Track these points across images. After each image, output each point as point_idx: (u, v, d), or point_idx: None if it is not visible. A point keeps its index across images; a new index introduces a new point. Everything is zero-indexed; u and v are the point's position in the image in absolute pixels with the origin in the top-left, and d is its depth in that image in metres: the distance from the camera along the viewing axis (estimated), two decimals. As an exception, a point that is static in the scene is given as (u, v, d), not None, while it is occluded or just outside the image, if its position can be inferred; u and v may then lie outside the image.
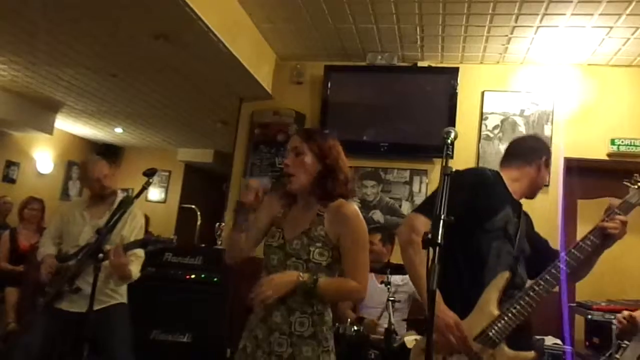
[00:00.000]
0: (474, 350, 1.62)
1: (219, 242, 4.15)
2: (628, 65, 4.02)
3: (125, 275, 2.68)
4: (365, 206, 4.34)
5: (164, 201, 8.49)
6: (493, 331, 1.64)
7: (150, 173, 2.37)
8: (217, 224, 4.23)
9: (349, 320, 3.07)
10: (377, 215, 4.31)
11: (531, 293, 1.66)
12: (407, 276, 3.21)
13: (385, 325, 2.92)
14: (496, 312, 1.65)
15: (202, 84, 4.85)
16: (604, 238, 1.69)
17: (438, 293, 1.77)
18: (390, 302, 2.92)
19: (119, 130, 7.64)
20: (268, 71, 4.58)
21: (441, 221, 1.31)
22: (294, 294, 1.65)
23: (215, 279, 3.85)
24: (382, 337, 2.92)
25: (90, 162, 2.95)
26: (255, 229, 1.83)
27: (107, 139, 8.42)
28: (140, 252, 2.78)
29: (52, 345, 2.60)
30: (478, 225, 1.76)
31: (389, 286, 3.02)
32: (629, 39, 3.61)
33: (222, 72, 4.25)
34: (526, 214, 1.95)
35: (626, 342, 2.18)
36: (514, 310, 1.64)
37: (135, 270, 2.74)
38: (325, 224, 1.72)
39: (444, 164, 1.51)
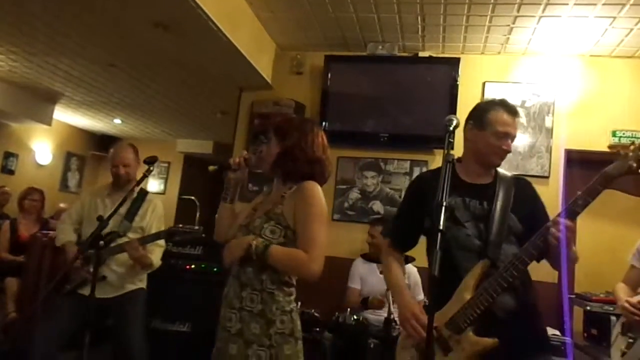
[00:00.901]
0: (443, 337, 1.63)
1: (219, 233, 4.14)
2: (630, 57, 4.00)
3: (146, 264, 2.79)
4: (365, 197, 4.34)
5: (163, 192, 8.48)
6: (460, 317, 1.63)
7: (150, 161, 2.40)
8: (217, 214, 4.22)
9: (348, 309, 3.09)
10: (377, 206, 4.31)
11: (499, 279, 1.61)
12: (408, 266, 3.23)
13: (385, 315, 2.93)
14: (467, 297, 1.64)
15: (201, 74, 4.82)
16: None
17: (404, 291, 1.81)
18: (389, 292, 2.92)
19: (117, 121, 7.61)
20: (268, 61, 4.55)
21: (442, 208, 1.31)
22: (250, 263, 1.71)
23: (215, 269, 3.85)
24: (382, 326, 2.93)
25: (120, 147, 3.00)
26: (241, 215, 1.91)
27: (106, 130, 8.40)
28: (161, 242, 2.90)
29: (75, 331, 2.63)
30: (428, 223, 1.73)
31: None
32: (632, 29, 3.58)
33: (222, 62, 4.22)
34: (513, 191, 1.80)
35: (630, 335, 2.16)
36: (479, 297, 1.61)
37: (156, 259, 2.86)
38: (284, 203, 1.77)
39: (446, 151, 1.52)
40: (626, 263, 2.49)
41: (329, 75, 4.45)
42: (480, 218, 1.75)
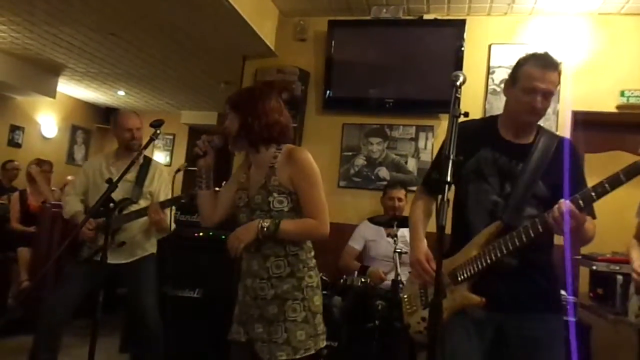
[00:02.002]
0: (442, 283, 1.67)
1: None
2: (636, 14, 3.91)
3: (165, 228, 2.83)
4: (371, 163, 4.34)
5: (169, 164, 8.52)
6: (460, 270, 1.69)
7: (157, 124, 2.41)
8: (223, 182, 4.24)
9: (355, 271, 3.12)
10: (383, 172, 4.31)
11: (508, 241, 1.61)
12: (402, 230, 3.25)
13: (393, 277, 2.97)
14: (473, 254, 1.67)
15: (204, 43, 4.77)
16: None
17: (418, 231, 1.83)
18: (397, 254, 2.95)
19: (121, 93, 7.59)
20: (271, 27, 4.50)
21: (450, 161, 1.32)
22: (266, 241, 1.81)
23: (223, 236, 3.88)
24: (389, 288, 2.97)
25: (123, 113, 3.05)
26: (224, 196, 2.01)
27: (110, 103, 8.38)
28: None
29: (88, 296, 2.71)
30: (457, 172, 1.68)
31: (395, 238, 3.05)
32: (641, -15, 3.50)
33: (224, 29, 4.17)
34: (551, 155, 1.74)
35: None
36: (484, 255, 1.64)
37: (171, 223, 2.87)
38: (277, 173, 1.85)
39: (453, 106, 1.51)
40: (631, 223, 2.50)
41: (333, 41, 4.40)
42: (507, 176, 1.73)
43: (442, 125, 4.22)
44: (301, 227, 1.83)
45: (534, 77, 1.68)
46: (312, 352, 1.81)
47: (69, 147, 8.25)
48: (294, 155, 1.85)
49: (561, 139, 1.79)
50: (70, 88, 7.47)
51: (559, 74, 1.73)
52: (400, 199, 3.64)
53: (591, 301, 3.53)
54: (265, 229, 1.77)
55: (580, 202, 1.48)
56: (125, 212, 2.83)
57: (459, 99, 1.56)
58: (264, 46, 4.42)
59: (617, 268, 3.19)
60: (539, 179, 1.69)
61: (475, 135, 1.81)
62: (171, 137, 8.61)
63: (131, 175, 2.78)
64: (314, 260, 1.93)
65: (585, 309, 3.50)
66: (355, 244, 3.65)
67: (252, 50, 4.56)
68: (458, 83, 1.58)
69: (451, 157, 1.32)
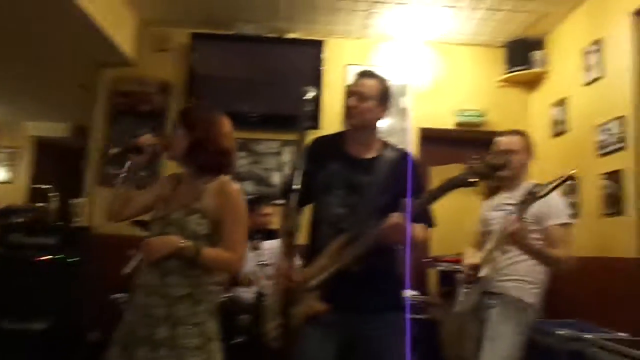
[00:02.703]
0: (296, 292, 1.77)
1: (76, 220, 3.85)
2: (470, 44, 4.48)
3: None
4: (236, 178, 4.31)
5: (11, 181, 7.59)
6: (312, 279, 1.79)
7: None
8: (74, 200, 3.92)
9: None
10: (249, 187, 4.32)
11: (352, 251, 1.74)
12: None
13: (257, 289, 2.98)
14: (323, 264, 1.79)
15: (53, 49, 4.37)
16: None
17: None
18: (260, 266, 2.97)
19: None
20: (129, 36, 4.29)
21: (298, 170, 1.39)
22: (171, 257, 1.71)
23: (72, 259, 3.58)
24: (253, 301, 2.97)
25: None
26: (140, 198, 1.91)
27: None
28: None
29: None
30: (309, 187, 1.80)
31: (258, 251, 3.07)
32: (470, 19, 4.01)
33: (75, 35, 3.87)
34: (394, 168, 1.86)
35: (467, 286, 2.46)
36: (331, 264, 1.76)
37: None
38: (206, 197, 1.79)
39: (302, 119, 1.60)
40: (470, 227, 2.81)
41: (196, 53, 4.34)
42: (353, 189, 1.84)
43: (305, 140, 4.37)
44: (221, 257, 1.78)
45: (351, 84, 1.90)
46: None
47: None
48: (227, 187, 1.81)
49: (404, 153, 1.91)
50: None
51: (379, 81, 1.89)
52: (268, 214, 3.68)
53: (439, 299, 3.89)
54: (185, 249, 1.70)
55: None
56: None
57: (308, 111, 1.65)
58: (120, 55, 4.20)
59: (459, 267, 3.54)
60: (383, 191, 1.82)
61: (325, 150, 1.92)
62: (13, 151, 7.68)
63: None
64: (213, 284, 1.84)
65: (434, 307, 3.85)
66: None
67: (108, 58, 4.30)
68: (307, 97, 1.66)
69: (300, 167, 1.38)
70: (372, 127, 1.91)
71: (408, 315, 1.81)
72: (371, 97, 1.86)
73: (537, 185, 2.35)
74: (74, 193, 4.24)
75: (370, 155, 1.89)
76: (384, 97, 1.88)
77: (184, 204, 1.79)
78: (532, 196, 2.13)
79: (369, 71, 1.92)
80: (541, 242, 2.29)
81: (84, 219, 4.09)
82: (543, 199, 2.20)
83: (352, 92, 1.87)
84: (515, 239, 2.15)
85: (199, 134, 1.82)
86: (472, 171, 1.52)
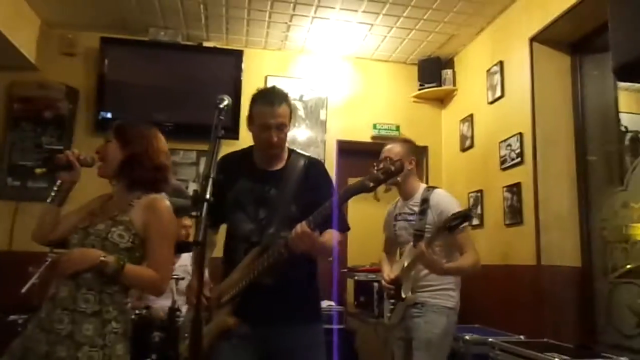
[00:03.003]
0: (210, 308, 1.79)
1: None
2: (386, 61, 4.66)
3: None
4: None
5: None
6: (224, 293, 1.79)
7: None
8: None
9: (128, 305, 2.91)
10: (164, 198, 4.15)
11: (262, 263, 1.73)
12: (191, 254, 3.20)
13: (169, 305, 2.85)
14: (235, 278, 1.78)
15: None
16: None
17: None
18: (172, 280, 2.85)
19: None
20: (30, 37, 3.99)
21: (210, 179, 1.35)
22: (89, 271, 1.62)
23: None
24: (166, 317, 2.84)
25: None
26: (70, 218, 1.81)
27: None
28: None
29: None
30: (221, 204, 1.77)
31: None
32: (385, 36, 4.18)
33: (-33, 33, 3.55)
34: (301, 177, 1.85)
35: (392, 301, 2.51)
36: (242, 278, 1.76)
37: None
38: (133, 212, 1.73)
39: (215, 127, 1.56)
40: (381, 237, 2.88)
41: (106, 59, 4.13)
42: (261, 203, 1.82)
43: (223, 150, 4.28)
44: (144, 275, 1.68)
45: (265, 114, 1.80)
46: None
47: None
48: (156, 203, 1.73)
49: (309, 160, 1.91)
50: None
51: (289, 104, 1.85)
52: (188, 226, 3.58)
53: (356, 308, 3.95)
54: (108, 264, 1.60)
55: (311, 223, 1.60)
56: None
57: (222, 120, 1.62)
58: (20, 57, 3.89)
59: (373, 276, 3.63)
60: (291, 201, 1.81)
61: (235, 167, 1.89)
62: None
63: None
64: (127, 304, 1.73)
65: (351, 316, 3.91)
66: None
67: (5, 61, 3.97)
68: (222, 105, 1.64)
69: (211, 176, 1.35)
70: (282, 151, 1.90)
71: (324, 327, 1.80)
72: (287, 124, 1.85)
73: (429, 187, 2.51)
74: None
75: (279, 166, 1.88)
76: (291, 117, 1.88)
77: (110, 216, 1.72)
78: (441, 229, 2.23)
79: (279, 95, 1.85)
80: (450, 250, 2.40)
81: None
82: (438, 208, 2.35)
83: (270, 126, 1.79)
84: (430, 267, 2.27)
85: (135, 149, 1.76)
86: (370, 178, 1.57)
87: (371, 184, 1.57)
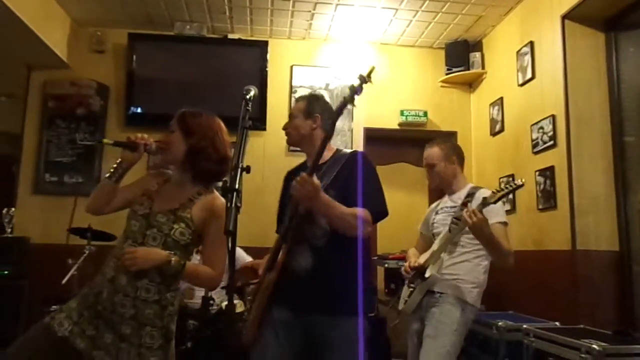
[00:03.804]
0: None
1: (9, 230, 3.64)
2: (412, 46, 4.59)
3: None
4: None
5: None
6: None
7: None
8: (6, 209, 3.70)
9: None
10: (193, 190, 4.23)
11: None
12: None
13: (203, 294, 2.91)
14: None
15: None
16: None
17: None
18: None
19: None
20: (62, 36, 4.10)
21: (239, 169, 1.36)
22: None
23: (6, 272, 3.38)
24: (200, 305, 2.90)
25: None
26: (123, 193, 1.86)
27: None
28: None
29: None
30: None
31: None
32: (411, 21, 4.11)
33: (2, 35, 3.65)
34: (338, 169, 1.89)
35: (411, 285, 2.51)
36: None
37: None
38: (194, 208, 1.77)
39: (243, 118, 1.57)
40: (416, 225, 2.87)
41: (134, 55, 4.21)
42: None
43: (251, 142, 4.32)
44: (202, 274, 1.79)
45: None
46: None
47: None
48: (217, 204, 1.79)
49: (353, 153, 1.96)
50: None
51: (305, 99, 2.06)
52: None
53: (387, 296, 3.95)
54: (172, 264, 1.69)
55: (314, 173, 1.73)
56: None
57: (248, 111, 1.63)
58: (53, 56, 4.00)
59: (404, 264, 3.60)
60: (330, 187, 1.82)
61: (293, 174, 1.90)
62: None
63: None
64: (178, 287, 1.82)
65: (382, 304, 3.91)
66: None
67: (39, 60, 4.10)
68: (248, 96, 1.65)
69: (240, 165, 1.37)
70: (310, 141, 1.97)
71: (361, 319, 1.76)
72: (296, 116, 2.00)
73: (474, 187, 2.51)
74: (6, 202, 4.00)
75: (322, 161, 1.88)
76: (308, 111, 1.98)
77: (171, 208, 1.77)
78: (484, 200, 2.22)
79: (300, 96, 2.13)
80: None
81: (17, 229, 3.87)
82: (480, 199, 2.30)
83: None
84: (475, 226, 2.21)
85: (202, 142, 1.80)
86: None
87: None
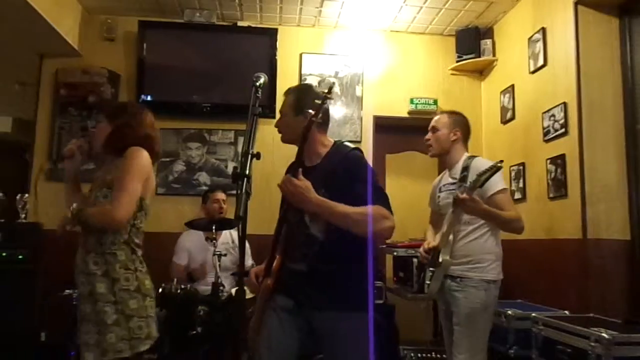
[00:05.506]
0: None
1: (23, 216, 3.69)
2: (422, 33, 4.55)
3: None
4: (191, 168, 4.26)
5: (-49, 180, 7.18)
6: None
7: None
8: (19, 195, 3.75)
9: (175, 279, 3.03)
10: (203, 177, 4.26)
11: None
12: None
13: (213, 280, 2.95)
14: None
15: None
16: None
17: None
18: (215, 257, 2.94)
19: None
20: (73, 24, 4.11)
21: (249, 156, 1.37)
22: (89, 233, 1.88)
23: (21, 257, 3.44)
24: (210, 291, 2.94)
25: None
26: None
27: None
28: None
29: None
30: None
31: (214, 241, 3.03)
32: (421, 7, 4.07)
33: (15, 23, 3.68)
34: (333, 168, 1.79)
35: (431, 269, 2.51)
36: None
37: None
38: (113, 171, 1.93)
39: (253, 104, 1.58)
40: (423, 213, 2.87)
41: (145, 42, 4.22)
42: None
43: (260, 129, 4.32)
44: (97, 212, 1.86)
45: None
46: (127, 355, 1.79)
47: None
48: (130, 150, 1.91)
49: (345, 153, 1.82)
50: None
51: (291, 92, 1.93)
52: (224, 201, 3.65)
53: (395, 284, 3.96)
54: (70, 214, 1.84)
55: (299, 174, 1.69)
56: None
57: (258, 98, 1.63)
58: (65, 44, 4.02)
59: (413, 252, 3.61)
60: (321, 187, 1.70)
61: (292, 167, 1.82)
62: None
63: None
64: (136, 264, 1.91)
65: (390, 292, 3.92)
66: (179, 259, 3.55)
67: (51, 48, 4.12)
68: (258, 83, 1.66)
69: (250, 152, 1.37)
70: (304, 137, 1.73)
71: (371, 314, 1.69)
72: (286, 114, 1.90)
73: (471, 156, 2.49)
74: (20, 187, 4.05)
75: (314, 162, 1.83)
76: (298, 107, 1.84)
77: (102, 180, 1.95)
78: (471, 184, 2.22)
79: (288, 89, 1.97)
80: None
81: (31, 215, 3.92)
82: (475, 172, 2.27)
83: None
84: (468, 209, 2.22)
85: (119, 122, 1.96)
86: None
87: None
